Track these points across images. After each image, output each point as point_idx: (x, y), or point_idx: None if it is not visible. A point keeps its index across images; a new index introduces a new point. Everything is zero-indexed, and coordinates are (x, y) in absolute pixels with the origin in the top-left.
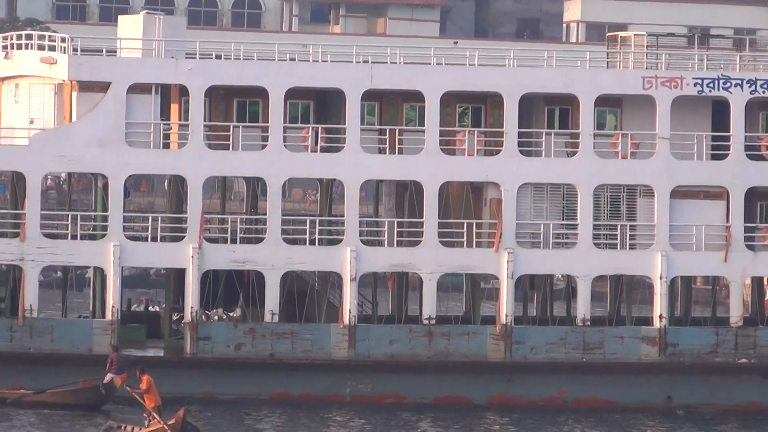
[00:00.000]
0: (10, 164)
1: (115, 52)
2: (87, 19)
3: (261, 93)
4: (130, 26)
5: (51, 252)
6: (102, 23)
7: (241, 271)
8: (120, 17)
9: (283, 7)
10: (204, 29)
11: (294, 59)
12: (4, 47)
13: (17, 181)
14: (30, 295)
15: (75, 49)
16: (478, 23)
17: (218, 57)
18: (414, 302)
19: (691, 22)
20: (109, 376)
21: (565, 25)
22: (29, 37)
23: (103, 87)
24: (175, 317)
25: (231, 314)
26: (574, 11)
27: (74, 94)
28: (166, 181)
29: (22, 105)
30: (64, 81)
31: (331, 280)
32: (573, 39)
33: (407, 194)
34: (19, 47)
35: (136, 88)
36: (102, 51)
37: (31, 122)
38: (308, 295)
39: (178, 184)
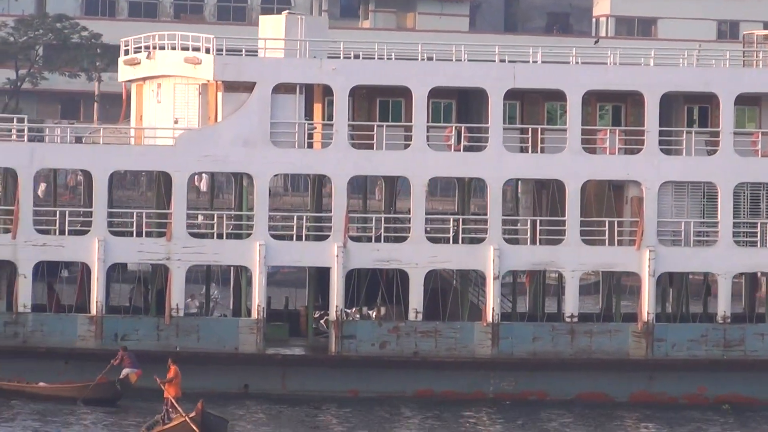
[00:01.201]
0: (156, 164)
1: (254, 52)
2: (116, 15)
3: (404, 92)
4: (272, 26)
5: (197, 251)
6: (131, 19)
7: (379, 270)
8: (261, 17)
9: (312, 3)
10: (233, 25)
11: (431, 58)
12: (146, 47)
13: (161, 181)
14: (176, 294)
15: (219, 50)
16: (507, 18)
17: (356, 57)
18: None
19: (721, 16)
20: (125, 372)
21: (594, 19)
22: (172, 37)
23: (248, 87)
24: (314, 315)
25: (371, 312)
26: (604, 5)
27: (219, 94)
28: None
29: (165, 105)
30: (208, 81)
31: (471, 278)
32: (602, 33)
33: (545, 192)
34: (162, 47)
35: (281, 88)
36: (241, 51)
37: (176, 122)
38: (451, 294)
39: (318, 183)
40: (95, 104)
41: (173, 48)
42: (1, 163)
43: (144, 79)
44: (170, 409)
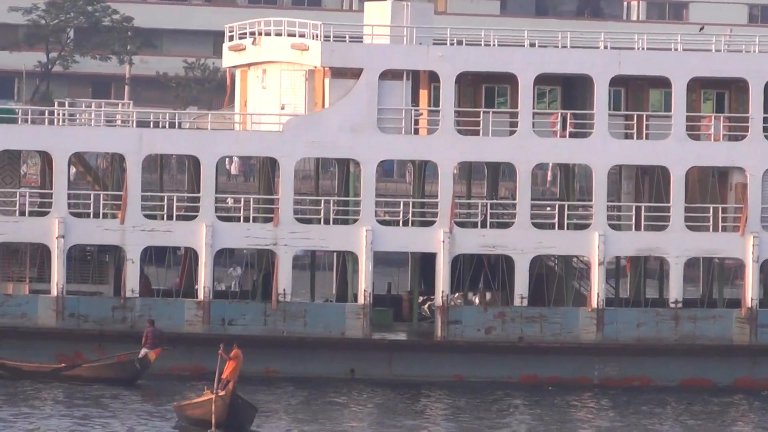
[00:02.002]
0: (263, 150)
1: (360, 38)
2: None
3: (510, 79)
4: (377, 13)
5: (304, 237)
6: (162, 2)
7: (481, 255)
8: (366, 3)
9: None
10: (264, 8)
11: (534, 45)
12: (252, 33)
13: (266, 167)
14: (283, 279)
15: (326, 36)
16: (538, 2)
17: (459, 43)
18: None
19: (752, 0)
20: (143, 351)
21: (625, 3)
22: (278, 23)
23: (355, 73)
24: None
25: (474, 298)
26: None
27: (326, 80)
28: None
29: (270, 91)
30: (315, 67)
31: (573, 264)
32: (633, 17)
33: (646, 178)
34: (267, 33)
35: (388, 75)
36: (345, 38)
37: (282, 108)
38: (556, 280)
39: (422, 169)
40: (126, 87)
41: (279, 34)
42: (110, 148)
43: (249, 65)
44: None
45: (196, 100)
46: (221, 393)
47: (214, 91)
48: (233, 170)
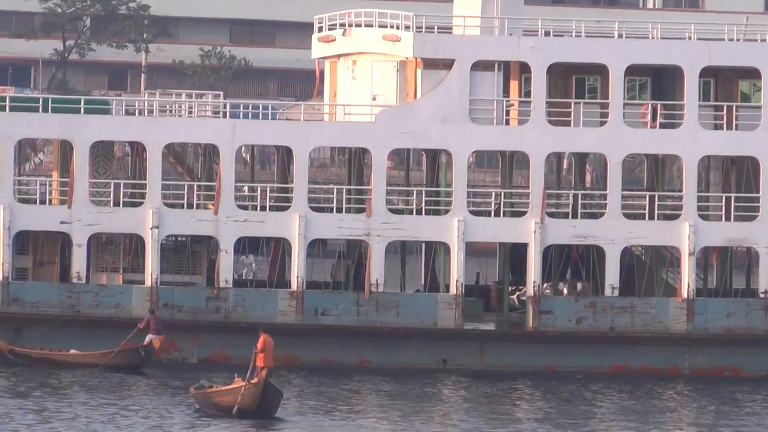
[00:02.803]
0: (356, 141)
1: (447, 29)
2: None
3: (600, 69)
4: (467, 4)
5: (396, 227)
6: None
7: (568, 246)
8: None
9: None
10: None
11: (621, 35)
12: (342, 25)
13: (358, 157)
14: (376, 269)
15: (418, 27)
16: None
17: (546, 34)
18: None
19: None
20: (148, 338)
21: None
22: (369, 14)
23: (447, 64)
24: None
25: (564, 287)
26: None
27: (418, 71)
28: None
29: (361, 82)
30: (407, 58)
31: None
32: (650, 5)
33: (734, 169)
34: (358, 25)
35: (479, 65)
36: (433, 28)
37: (373, 99)
38: (646, 270)
39: (511, 160)
40: (142, 75)
41: (369, 25)
42: (204, 139)
43: (338, 56)
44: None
45: (213, 88)
46: (254, 381)
47: (230, 79)
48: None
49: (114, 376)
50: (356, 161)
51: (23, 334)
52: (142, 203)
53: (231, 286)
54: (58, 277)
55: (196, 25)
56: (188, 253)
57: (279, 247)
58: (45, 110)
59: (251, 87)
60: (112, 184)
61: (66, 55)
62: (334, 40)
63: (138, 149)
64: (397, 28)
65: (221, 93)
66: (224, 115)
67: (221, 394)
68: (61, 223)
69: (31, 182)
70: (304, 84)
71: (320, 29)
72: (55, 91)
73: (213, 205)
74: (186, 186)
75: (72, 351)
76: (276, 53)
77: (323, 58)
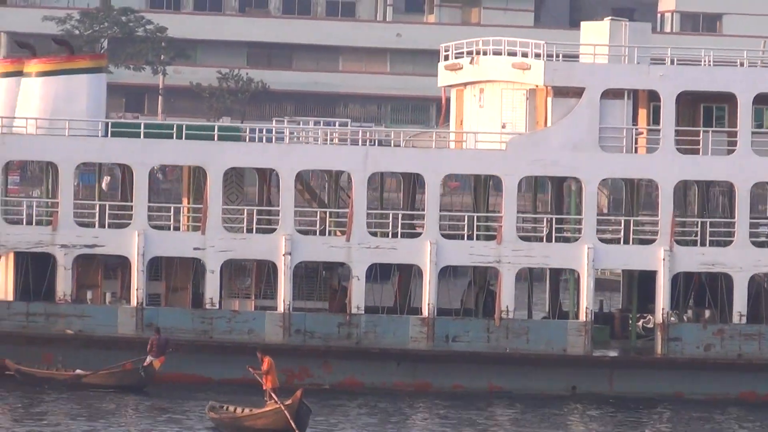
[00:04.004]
0: (486, 168)
1: (575, 57)
2: (181, 9)
3: (728, 98)
4: (595, 32)
5: (526, 254)
6: (196, 12)
7: (691, 273)
8: (583, 23)
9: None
10: (296, 18)
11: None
12: (469, 53)
13: (488, 185)
14: (506, 296)
15: (549, 55)
16: (572, 13)
17: (671, 62)
18: None
19: None
20: (148, 359)
21: (659, 14)
22: (497, 42)
23: (577, 92)
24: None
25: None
26: (669, 1)
27: (549, 99)
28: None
29: (488, 109)
30: (536, 86)
31: None
32: (667, 29)
33: None
34: (485, 53)
35: (609, 94)
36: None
37: (503, 126)
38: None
39: (637, 187)
40: (159, 98)
41: (497, 53)
42: (336, 166)
43: (465, 84)
44: (270, 400)
45: (230, 110)
46: (288, 402)
47: (246, 101)
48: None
49: (119, 398)
50: (484, 188)
51: None
52: (273, 230)
53: (363, 312)
54: (190, 303)
55: (213, 47)
56: (319, 279)
57: (406, 274)
58: (179, 137)
59: (268, 109)
60: (245, 211)
61: None
62: (461, 68)
63: (267, 176)
64: (525, 56)
65: (348, 120)
66: (352, 142)
67: (253, 418)
68: (195, 249)
69: (161, 209)
70: (320, 107)
71: (446, 57)
72: None
73: (339, 232)
74: (318, 213)
75: (78, 371)
76: (293, 76)
77: (449, 86)
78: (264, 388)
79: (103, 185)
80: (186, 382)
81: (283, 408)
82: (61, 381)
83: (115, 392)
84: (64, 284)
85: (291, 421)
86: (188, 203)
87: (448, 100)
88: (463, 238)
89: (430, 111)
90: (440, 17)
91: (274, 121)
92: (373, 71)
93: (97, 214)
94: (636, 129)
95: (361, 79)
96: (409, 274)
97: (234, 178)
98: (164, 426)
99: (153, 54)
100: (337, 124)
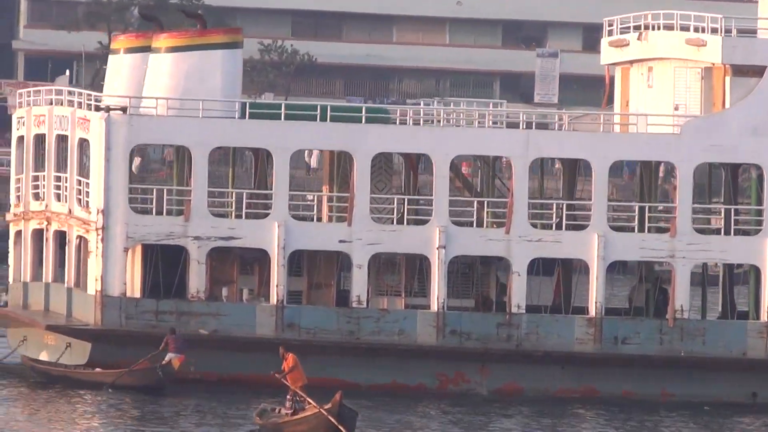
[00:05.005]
0: (658, 154)
1: (752, 32)
2: None
3: None
4: None
5: (703, 248)
6: None
7: None
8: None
9: None
10: None
11: None
12: (637, 27)
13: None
14: (681, 294)
15: (727, 30)
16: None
17: None
18: None
19: None
20: (168, 357)
21: None
22: (668, 16)
23: (758, 71)
24: None
25: None
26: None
27: (727, 78)
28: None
29: (658, 90)
30: (713, 64)
31: None
32: None
33: None
34: (654, 27)
35: None
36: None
37: (676, 109)
38: None
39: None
40: None
41: (668, 28)
42: (494, 151)
43: (631, 62)
44: (299, 400)
45: (272, 86)
46: (327, 406)
47: (291, 75)
48: (313, 163)
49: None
50: (650, 176)
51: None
52: (425, 221)
53: (524, 311)
54: (334, 300)
55: (255, 16)
56: (477, 276)
57: (567, 269)
58: (323, 119)
59: (315, 85)
60: (395, 200)
61: None
62: (627, 44)
63: (414, 162)
64: (701, 31)
65: (504, 102)
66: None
67: (293, 424)
68: (340, 242)
69: (297, 198)
70: (373, 82)
71: (610, 32)
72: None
73: (495, 224)
74: (475, 203)
75: (97, 369)
76: (342, 48)
77: (614, 64)
78: (292, 386)
79: (133, 168)
80: (330, 386)
81: (323, 412)
82: (76, 379)
83: (129, 392)
84: (197, 280)
85: (339, 425)
86: (329, 191)
87: (612, 79)
88: (632, 231)
89: (493, 86)
90: None
91: (422, 103)
92: (431, 43)
93: (233, 204)
94: None
95: (417, 52)
96: (570, 269)
97: (383, 164)
98: None
99: (188, 24)
100: (491, 105)
